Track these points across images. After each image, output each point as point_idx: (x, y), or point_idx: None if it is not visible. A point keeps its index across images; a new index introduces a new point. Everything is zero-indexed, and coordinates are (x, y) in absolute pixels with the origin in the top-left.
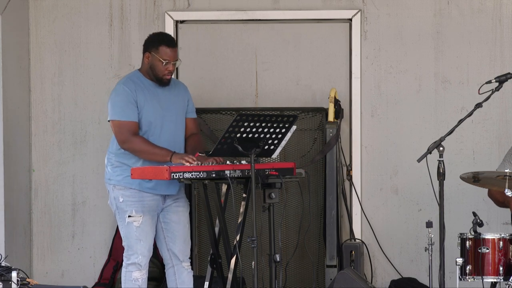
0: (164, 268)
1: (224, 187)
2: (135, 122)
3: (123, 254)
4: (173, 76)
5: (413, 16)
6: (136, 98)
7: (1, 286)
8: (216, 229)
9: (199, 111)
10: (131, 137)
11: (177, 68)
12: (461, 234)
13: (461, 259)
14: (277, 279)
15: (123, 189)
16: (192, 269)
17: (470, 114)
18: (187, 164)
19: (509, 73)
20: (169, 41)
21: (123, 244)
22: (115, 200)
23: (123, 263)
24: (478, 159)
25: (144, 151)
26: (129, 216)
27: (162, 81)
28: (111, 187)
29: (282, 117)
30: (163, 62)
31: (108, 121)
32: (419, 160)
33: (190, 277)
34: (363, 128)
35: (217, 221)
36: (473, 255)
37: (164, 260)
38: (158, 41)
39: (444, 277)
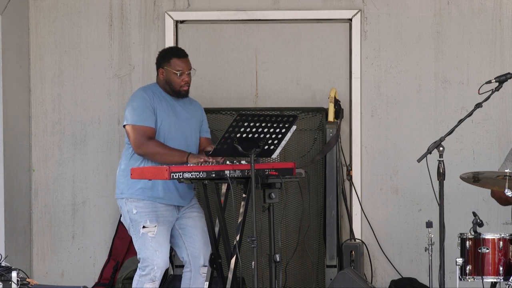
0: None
1: (224, 187)
2: (151, 128)
3: (138, 265)
4: None
5: (413, 16)
6: (153, 105)
7: (1, 286)
8: (216, 229)
9: None
10: (146, 141)
11: None
12: (461, 234)
13: (461, 259)
14: (277, 279)
15: (136, 201)
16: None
17: (470, 114)
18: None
19: (509, 73)
20: (179, 53)
21: (138, 256)
22: (129, 213)
23: (137, 272)
24: (478, 159)
25: (160, 153)
26: (143, 227)
27: (180, 94)
28: (123, 201)
29: (282, 117)
30: (177, 74)
31: (124, 126)
32: (419, 160)
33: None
34: (363, 128)
35: (217, 221)
36: (473, 255)
37: (184, 262)
38: (169, 55)
39: (444, 277)
